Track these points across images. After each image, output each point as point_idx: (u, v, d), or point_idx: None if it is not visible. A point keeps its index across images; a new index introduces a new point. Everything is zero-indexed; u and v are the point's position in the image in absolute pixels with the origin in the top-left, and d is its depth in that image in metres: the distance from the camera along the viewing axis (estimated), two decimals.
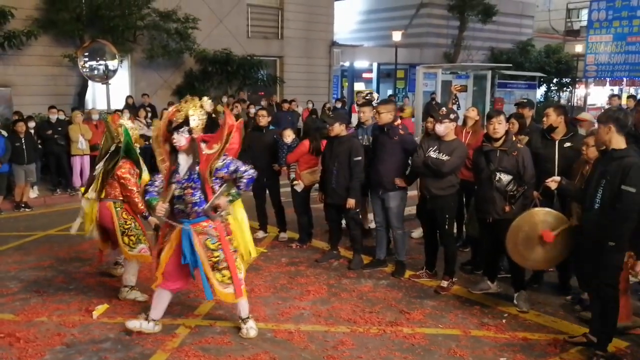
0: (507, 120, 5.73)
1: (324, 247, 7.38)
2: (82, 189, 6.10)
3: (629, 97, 11.60)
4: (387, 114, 6.23)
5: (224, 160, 4.55)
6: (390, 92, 21.39)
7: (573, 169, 5.43)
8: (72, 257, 7.15)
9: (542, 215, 5.02)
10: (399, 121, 6.40)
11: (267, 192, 7.89)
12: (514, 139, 5.61)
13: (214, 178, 4.53)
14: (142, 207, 5.52)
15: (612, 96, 13.93)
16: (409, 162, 6.26)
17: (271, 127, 8.03)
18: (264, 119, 7.80)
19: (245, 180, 4.63)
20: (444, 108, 5.90)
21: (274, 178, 7.81)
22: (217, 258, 4.59)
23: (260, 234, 7.98)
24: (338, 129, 6.54)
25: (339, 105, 16.38)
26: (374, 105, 6.68)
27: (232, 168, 4.58)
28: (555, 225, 4.94)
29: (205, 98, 4.69)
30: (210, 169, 4.50)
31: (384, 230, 6.62)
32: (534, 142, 5.90)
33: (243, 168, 4.62)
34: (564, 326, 5.13)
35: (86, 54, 11.84)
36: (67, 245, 7.58)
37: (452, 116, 5.79)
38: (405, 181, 6.26)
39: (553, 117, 5.71)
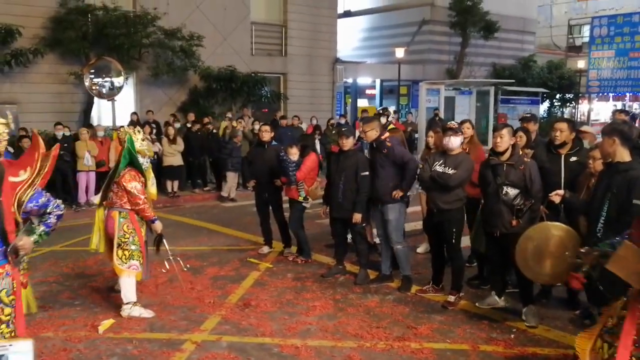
0: (515, 134, 5.72)
1: (330, 262, 7.35)
2: (98, 201, 6.09)
3: (621, 111, 11.61)
4: (372, 131, 6.35)
5: (34, 190, 3.73)
6: (393, 108, 21.41)
7: (579, 182, 5.42)
8: (77, 272, 7.13)
9: (554, 230, 4.97)
10: (386, 134, 6.45)
11: (270, 207, 7.89)
12: (520, 152, 5.61)
13: (22, 213, 3.64)
14: (150, 214, 5.59)
15: (615, 111, 13.91)
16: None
17: (274, 143, 8.04)
18: (267, 134, 7.81)
19: (55, 216, 3.82)
20: (453, 122, 5.92)
21: (275, 193, 7.80)
22: (8, 317, 3.47)
23: (266, 249, 7.97)
24: (352, 142, 6.60)
25: (342, 121, 16.43)
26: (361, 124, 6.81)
27: (42, 200, 3.74)
28: (567, 240, 4.89)
29: (8, 113, 4.03)
30: (18, 200, 3.61)
31: (387, 244, 6.60)
32: (540, 156, 5.88)
33: (54, 202, 3.83)
34: (573, 341, 5.04)
35: (92, 71, 11.94)
36: (72, 261, 7.56)
37: (462, 129, 5.83)
38: (402, 190, 6.25)
39: (567, 133, 5.68)
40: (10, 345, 3.16)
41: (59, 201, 3.89)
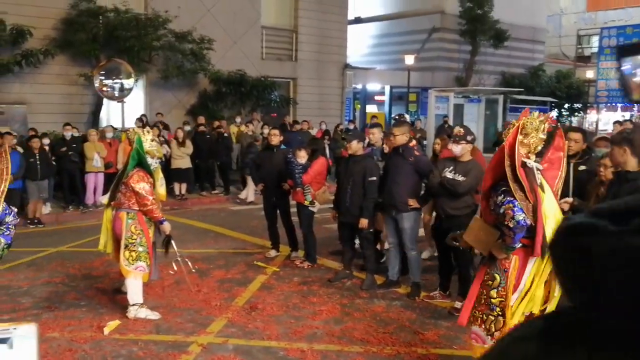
0: None
1: (337, 266, 7.32)
2: (106, 201, 6.10)
3: (619, 122, 11.50)
4: (402, 136, 6.23)
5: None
6: (407, 115, 21.38)
7: (587, 190, 5.37)
8: (83, 273, 7.14)
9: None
10: (413, 142, 6.39)
11: (278, 211, 7.87)
12: None
13: None
14: (158, 215, 5.58)
15: (615, 122, 13.69)
16: (424, 182, 6.25)
17: (282, 147, 8.03)
18: (275, 138, 7.80)
19: (13, 226, 3.64)
20: (461, 129, 5.87)
21: (283, 197, 7.79)
22: None
23: (273, 252, 7.95)
24: (356, 146, 6.54)
25: (351, 126, 16.41)
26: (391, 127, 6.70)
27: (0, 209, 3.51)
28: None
29: None
30: None
31: (397, 251, 6.57)
32: None
33: (9, 210, 3.64)
34: None
35: (102, 72, 11.99)
36: (78, 262, 7.57)
37: (469, 138, 5.76)
38: (418, 202, 6.23)
39: (580, 144, 5.63)
40: (15, 328, 3.15)
41: (14, 209, 3.72)
